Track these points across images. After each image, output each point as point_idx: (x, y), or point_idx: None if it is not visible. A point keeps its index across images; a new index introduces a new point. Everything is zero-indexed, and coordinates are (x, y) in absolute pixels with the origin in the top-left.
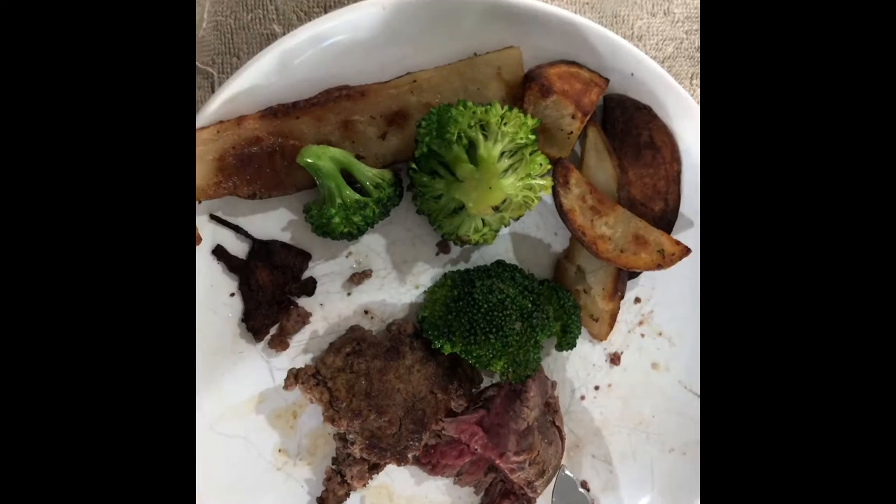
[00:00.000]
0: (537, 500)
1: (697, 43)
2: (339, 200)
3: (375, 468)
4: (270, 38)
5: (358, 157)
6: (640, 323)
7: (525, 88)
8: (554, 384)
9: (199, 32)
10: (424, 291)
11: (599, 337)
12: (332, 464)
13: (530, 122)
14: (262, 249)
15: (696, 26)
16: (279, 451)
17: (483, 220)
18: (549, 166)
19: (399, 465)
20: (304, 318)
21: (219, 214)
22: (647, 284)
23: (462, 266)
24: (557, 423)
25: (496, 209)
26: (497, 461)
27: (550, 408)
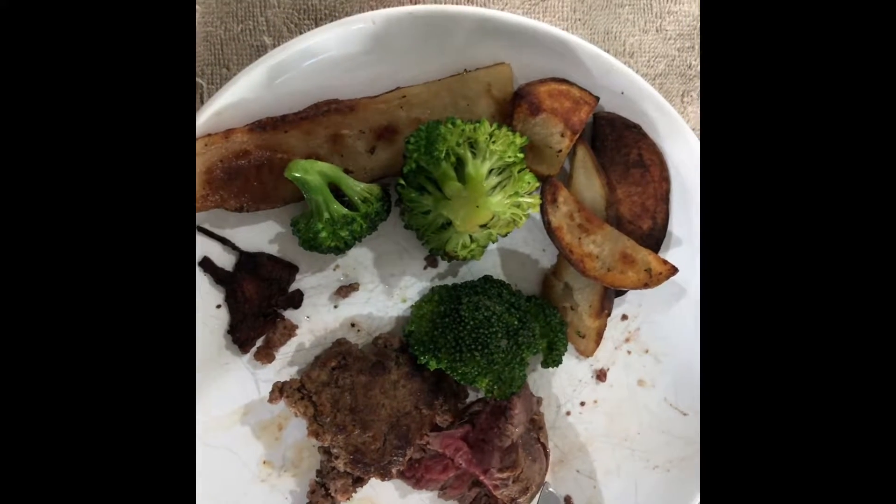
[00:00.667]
0: None
1: (689, 60)
2: (326, 215)
3: (359, 482)
4: (260, 50)
5: (346, 171)
6: (627, 340)
7: (514, 106)
8: (539, 400)
9: None
10: (411, 305)
11: (586, 353)
12: (317, 476)
13: (519, 140)
14: (249, 262)
15: (689, 44)
16: (264, 462)
17: (471, 237)
18: (538, 184)
19: (383, 479)
20: (291, 330)
21: (206, 227)
22: (634, 302)
23: (450, 280)
24: (542, 440)
25: (484, 226)
26: (481, 477)
27: (535, 424)
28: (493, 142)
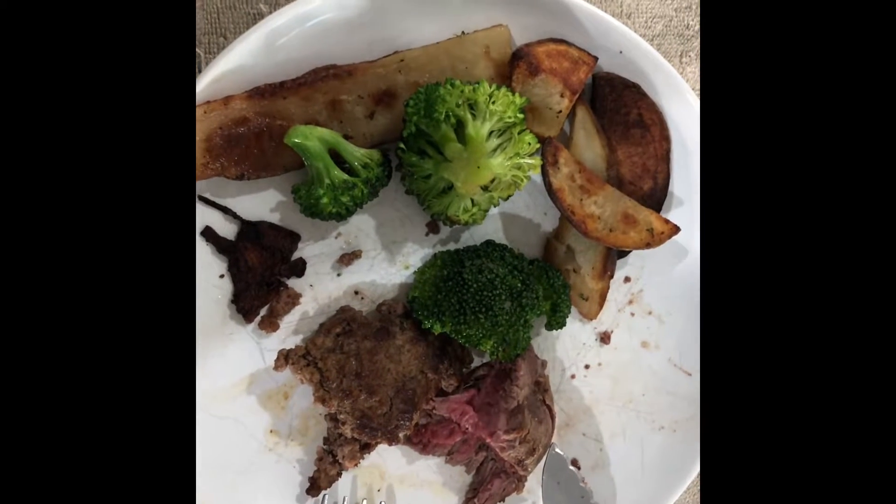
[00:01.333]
0: (528, 478)
1: (687, 21)
2: (327, 181)
3: (367, 448)
4: (257, 18)
5: (346, 137)
6: (630, 302)
7: (513, 67)
8: (544, 363)
9: None
10: (414, 272)
11: (589, 316)
12: (324, 444)
13: (518, 100)
14: (251, 231)
15: (686, 4)
16: (270, 431)
17: (472, 200)
18: (538, 145)
19: (390, 444)
20: (294, 299)
21: (207, 196)
22: (636, 263)
23: (452, 246)
24: (548, 402)
25: (485, 189)
26: (488, 440)
27: (540, 387)
28: (493, 102)
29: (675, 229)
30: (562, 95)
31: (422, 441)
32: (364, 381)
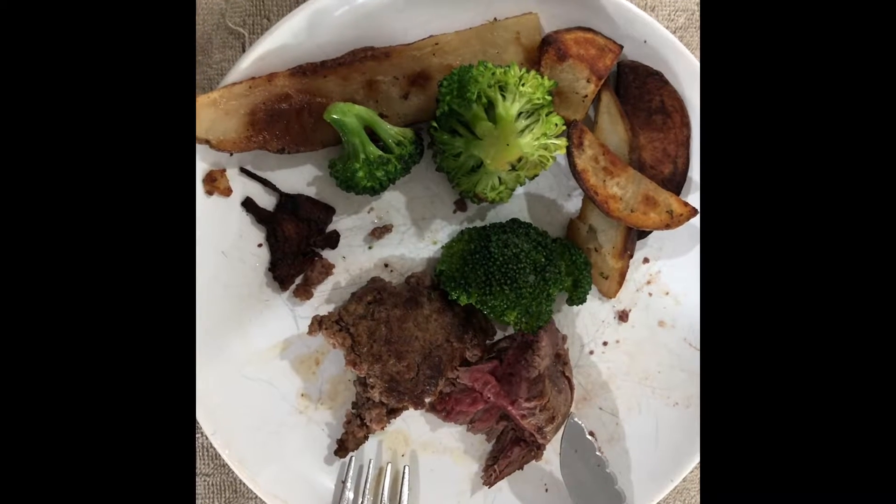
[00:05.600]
0: (546, 446)
1: None
2: (362, 156)
3: (393, 412)
4: (300, 2)
5: (381, 115)
6: (648, 282)
7: (542, 53)
8: (564, 337)
9: None
10: (442, 247)
11: (609, 294)
12: (352, 408)
13: (547, 83)
14: (289, 203)
15: None
16: (301, 395)
17: (500, 179)
18: (564, 127)
19: (416, 408)
20: (328, 269)
21: (249, 168)
22: (655, 245)
23: (478, 224)
24: (567, 374)
25: (513, 167)
26: (509, 408)
27: (560, 359)
28: (523, 84)
29: (694, 212)
30: (588, 81)
31: (445, 408)
32: (393, 347)
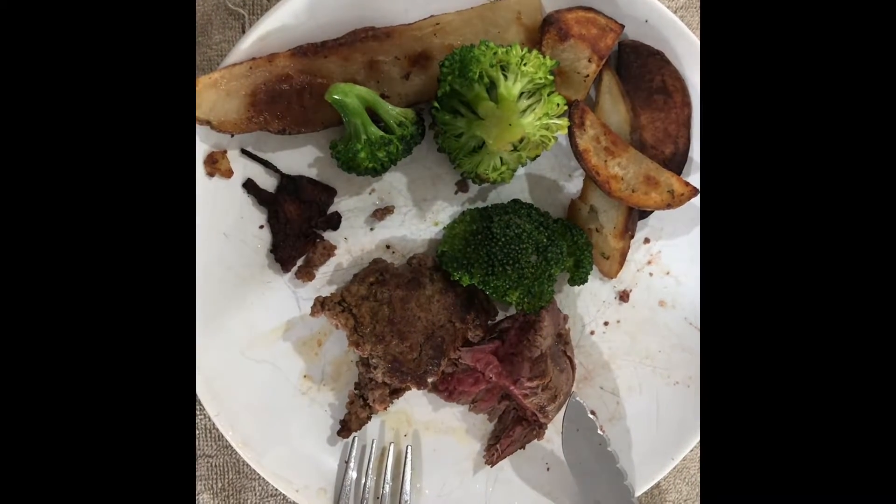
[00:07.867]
0: (548, 425)
1: None
2: (364, 137)
3: (396, 393)
4: None
5: (382, 96)
6: (649, 262)
7: (543, 32)
8: (566, 318)
9: None
10: (443, 228)
11: (610, 275)
12: (355, 388)
13: (549, 62)
14: (291, 184)
15: None
16: (304, 376)
17: (501, 159)
18: (566, 107)
19: (419, 388)
20: (330, 250)
21: (249, 149)
22: (656, 225)
23: (479, 205)
24: (569, 353)
25: (514, 147)
26: (511, 387)
27: (562, 339)
28: (524, 64)
29: (695, 191)
30: (589, 60)
31: (447, 388)
32: (396, 328)
